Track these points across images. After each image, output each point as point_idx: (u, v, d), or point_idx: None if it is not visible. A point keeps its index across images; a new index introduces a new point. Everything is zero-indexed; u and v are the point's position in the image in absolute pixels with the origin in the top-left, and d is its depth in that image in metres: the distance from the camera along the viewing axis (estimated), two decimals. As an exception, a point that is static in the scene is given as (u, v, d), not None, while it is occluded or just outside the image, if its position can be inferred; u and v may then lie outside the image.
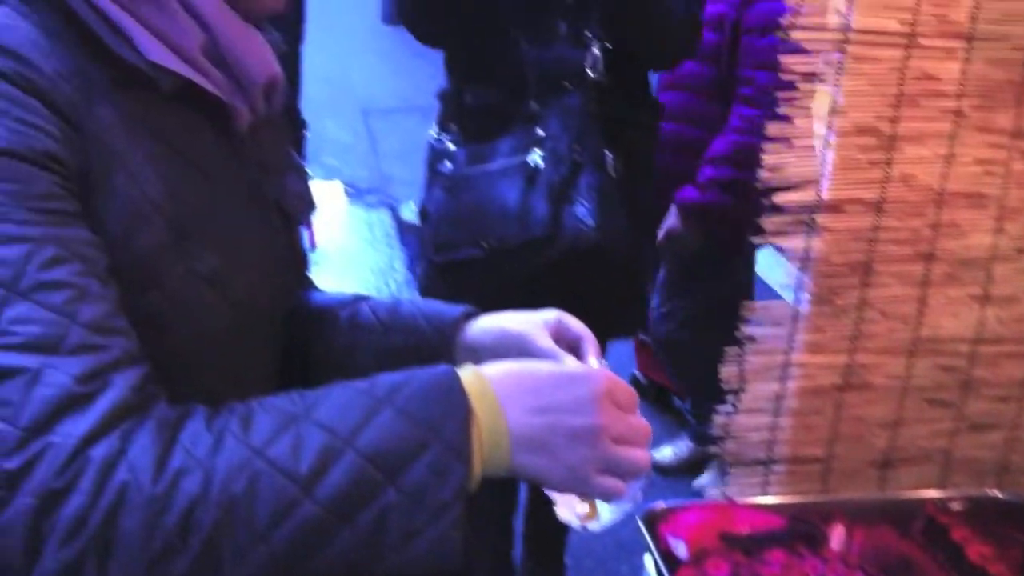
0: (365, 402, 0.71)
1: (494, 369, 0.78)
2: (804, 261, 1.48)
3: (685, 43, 2.02)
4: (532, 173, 1.85)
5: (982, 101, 1.46)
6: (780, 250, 1.50)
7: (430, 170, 2.04)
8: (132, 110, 0.77)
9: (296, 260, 1.02)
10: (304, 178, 1.02)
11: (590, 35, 1.88)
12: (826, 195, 1.45)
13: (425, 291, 2.07)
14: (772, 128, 1.43)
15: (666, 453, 3.14)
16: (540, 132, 1.87)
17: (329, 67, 5.94)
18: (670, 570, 1.14)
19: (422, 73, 4.39)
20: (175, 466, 0.66)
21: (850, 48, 1.39)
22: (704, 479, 2.99)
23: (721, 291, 2.71)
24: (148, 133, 0.78)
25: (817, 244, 1.47)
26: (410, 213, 4.88)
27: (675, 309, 2.89)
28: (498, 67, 1.93)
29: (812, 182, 1.44)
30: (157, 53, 0.77)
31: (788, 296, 1.53)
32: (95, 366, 0.67)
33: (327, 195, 5.01)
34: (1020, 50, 1.45)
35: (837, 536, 1.25)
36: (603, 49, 1.89)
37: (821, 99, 1.42)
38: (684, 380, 3.06)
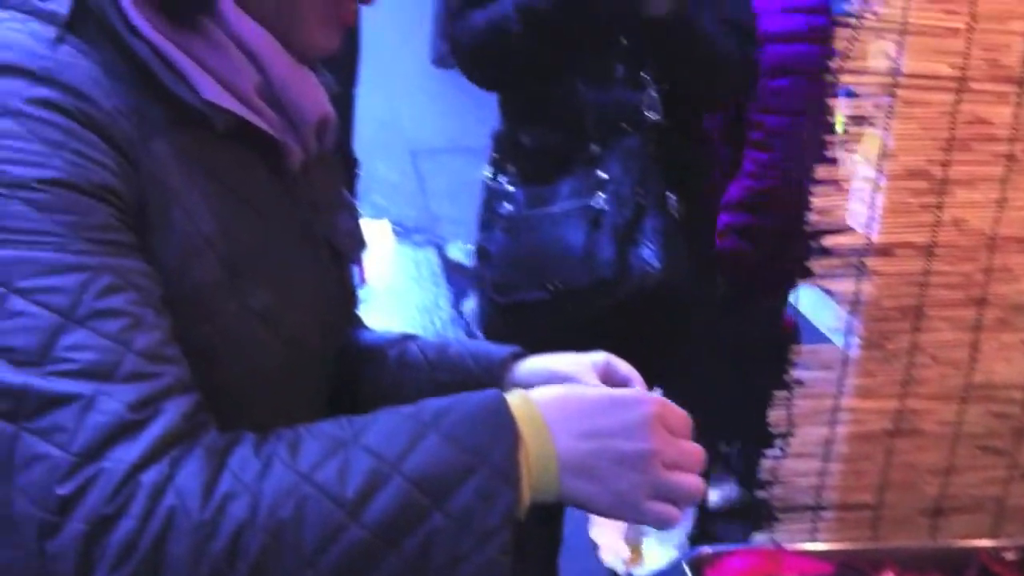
0: (412, 427, 0.71)
1: (542, 393, 0.77)
2: (854, 305, 1.47)
3: (740, 84, 2.03)
4: (596, 216, 1.87)
5: (1034, 145, 1.45)
6: (829, 293, 1.49)
7: (487, 210, 2.06)
8: (187, 148, 0.78)
9: (346, 298, 1.03)
10: (355, 216, 1.03)
11: (647, 77, 1.90)
12: (876, 238, 1.44)
13: (487, 331, 2.07)
14: (821, 171, 1.43)
15: (712, 497, 3.10)
16: (602, 175, 1.88)
17: (380, 108, 6.01)
18: (715, 615, 1.13)
19: (470, 115, 4.42)
20: (223, 491, 0.66)
21: (900, 92, 1.38)
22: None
23: (749, 336, 2.67)
24: (203, 171, 0.79)
25: (867, 288, 1.46)
26: (457, 252, 4.90)
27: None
28: (555, 109, 1.95)
29: (862, 225, 1.43)
30: (212, 92, 0.79)
31: (837, 340, 1.52)
32: (148, 394, 0.68)
33: (376, 234, 5.06)
34: (1073, 95, 1.43)
35: (887, 584, 1.23)
36: (659, 90, 1.90)
37: (870, 142, 1.41)
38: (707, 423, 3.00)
